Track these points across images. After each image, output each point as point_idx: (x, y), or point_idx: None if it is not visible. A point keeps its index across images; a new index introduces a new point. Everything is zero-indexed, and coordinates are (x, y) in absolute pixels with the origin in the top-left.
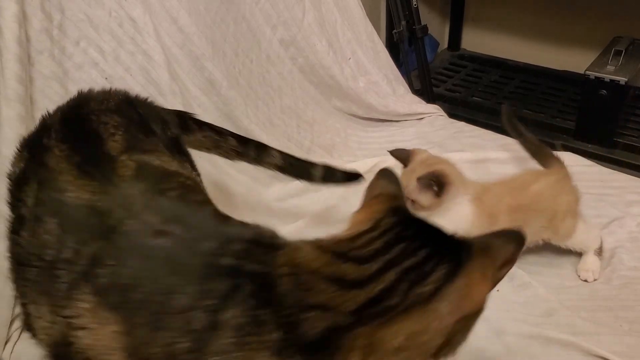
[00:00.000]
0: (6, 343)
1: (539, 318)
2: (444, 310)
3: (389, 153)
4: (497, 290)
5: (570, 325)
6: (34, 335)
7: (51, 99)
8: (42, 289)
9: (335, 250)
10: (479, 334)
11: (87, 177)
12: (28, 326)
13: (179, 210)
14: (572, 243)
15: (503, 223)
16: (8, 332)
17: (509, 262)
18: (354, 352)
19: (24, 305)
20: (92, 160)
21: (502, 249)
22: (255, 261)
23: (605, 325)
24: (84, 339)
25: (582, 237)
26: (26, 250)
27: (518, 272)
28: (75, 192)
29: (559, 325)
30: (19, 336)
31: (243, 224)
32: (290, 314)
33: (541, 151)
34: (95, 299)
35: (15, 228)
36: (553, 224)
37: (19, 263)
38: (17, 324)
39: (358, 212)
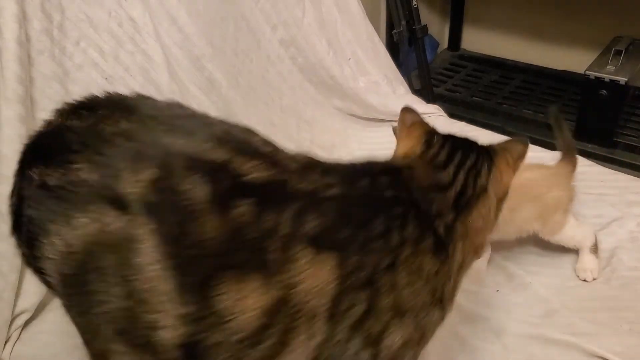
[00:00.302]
0: (6, 343)
1: (539, 318)
2: (492, 193)
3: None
4: (497, 291)
5: (570, 326)
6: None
7: (51, 99)
8: (250, 267)
9: (428, 164)
10: (479, 334)
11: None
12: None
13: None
14: (561, 239)
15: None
16: (8, 332)
17: (521, 156)
18: (458, 241)
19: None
20: None
21: (515, 147)
22: (400, 188)
23: (605, 326)
24: (302, 290)
25: (571, 233)
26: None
27: (518, 273)
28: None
29: (559, 325)
30: (19, 336)
31: (357, 162)
32: (435, 223)
33: (569, 152)
34: (312, 249)
35: None
36: (542, 216)
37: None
38: (17, 323)
39: (402, 141)
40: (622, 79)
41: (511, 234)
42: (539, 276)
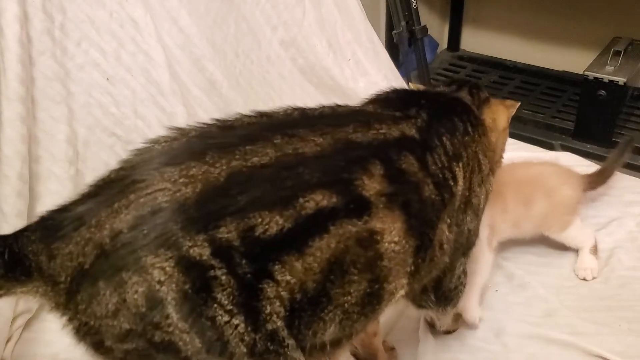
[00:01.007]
0: (7, 342)
1: (539, 318)
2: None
3: None
4: (497, 291)
5: (569, 325)
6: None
7: (53, 99)
8: (447, 203)
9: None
10: (479, 334)
11: None
12: None
13: None
14: (565, 237)
15: (509, 199)
16: (9, 331)
17: (514, 104)
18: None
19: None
20: None
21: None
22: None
23: (605, 325)
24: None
25: (575, 232)
26: None
27: (518, 273)
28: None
29: (559, 325)
30: (20, 335)
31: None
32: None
33: (605, 172)
34: (458, 164)
35: None
36: (553, 212)
37: None
38: (19, 322)
39: None
40: (621, 80)
41: (528, 231)
42: (539, 276)
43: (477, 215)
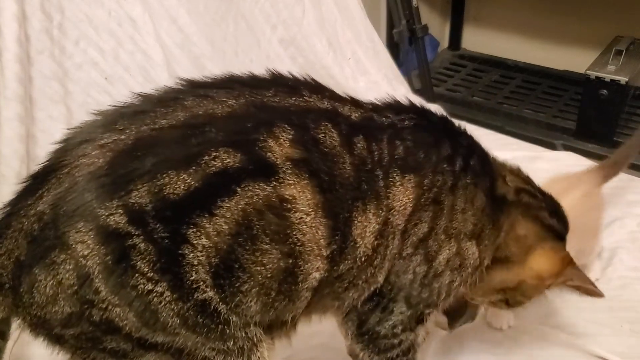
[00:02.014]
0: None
1: (540, 318)
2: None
3: None
4: None
5: (570, 326)
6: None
7: (51, 98)
8: (370, 196)
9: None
10: (479, 335)
11: None
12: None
13: None
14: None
15: None
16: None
17: (571, 271)
18: (505, 222)
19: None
20: None
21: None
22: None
23: (606, 326)
24: (395, 209)
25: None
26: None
27: None
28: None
29: (560, 325)
30: (19, 336)
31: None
32: (496, 181)
33: (616, 163)
34: (400, 172)
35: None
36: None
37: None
38: (17, 323)
39: None
40: (623, 79)
41: None
42: None
43: (430, 263)
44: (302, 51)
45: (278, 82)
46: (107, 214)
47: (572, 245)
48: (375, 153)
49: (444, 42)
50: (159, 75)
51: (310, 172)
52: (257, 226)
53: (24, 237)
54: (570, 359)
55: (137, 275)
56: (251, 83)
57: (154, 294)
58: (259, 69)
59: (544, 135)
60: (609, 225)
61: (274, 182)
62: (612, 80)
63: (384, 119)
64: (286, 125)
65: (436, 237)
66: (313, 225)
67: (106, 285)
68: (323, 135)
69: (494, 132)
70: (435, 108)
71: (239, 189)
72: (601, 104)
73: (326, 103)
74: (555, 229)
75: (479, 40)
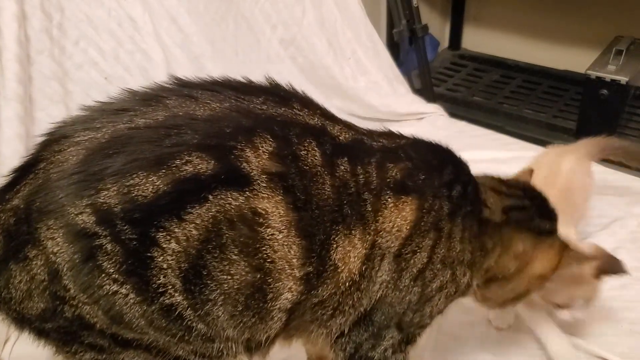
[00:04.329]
0: (5, 342)
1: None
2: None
3: None
4: None
5: (570, 326)
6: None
7: (51, 98)
8: (354, 219)
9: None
10: (478, 335)
11: None
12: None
13: None
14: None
15: None
16: (7, 332)
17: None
18: (493, 246)
19: (331, 251)
20: None
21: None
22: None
23: (606, 326)
24: (385, 232)
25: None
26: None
27: None
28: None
29: (560, 325)
30: (18, 336)
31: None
32: (484, 209)
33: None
34: (395, 193)
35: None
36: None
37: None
38: None
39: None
40: (623, 79)
41: None
42: None
43: (423, 291)
44: (302, 51)
45: (270, 90)
46: (76, 212)
47: (568, 199)
48: (361, 176)
49: (444, 42)
50: (159, 75)
51: (285, 189)
52: (227, 235)
53: (1, 232)
54: (569, 358)
55: (103, 275)
56: (241, 88)
57: (119, 295)
58: (259, 69)
59: (544, 135)
60: (609, 225)
61: (247, 193)
62: (613, 80)
63: (374, 143)
64: (268, 136)
65: (433, 267)
66: (285, 243)
67: (74, 283)
68: (305, 152)
69: (494, 132)
70: (436, 108)
71: (210, 197)
72: (601, 104)
73: (316, 119)
74: (548, 229)
75: (479, 40)
